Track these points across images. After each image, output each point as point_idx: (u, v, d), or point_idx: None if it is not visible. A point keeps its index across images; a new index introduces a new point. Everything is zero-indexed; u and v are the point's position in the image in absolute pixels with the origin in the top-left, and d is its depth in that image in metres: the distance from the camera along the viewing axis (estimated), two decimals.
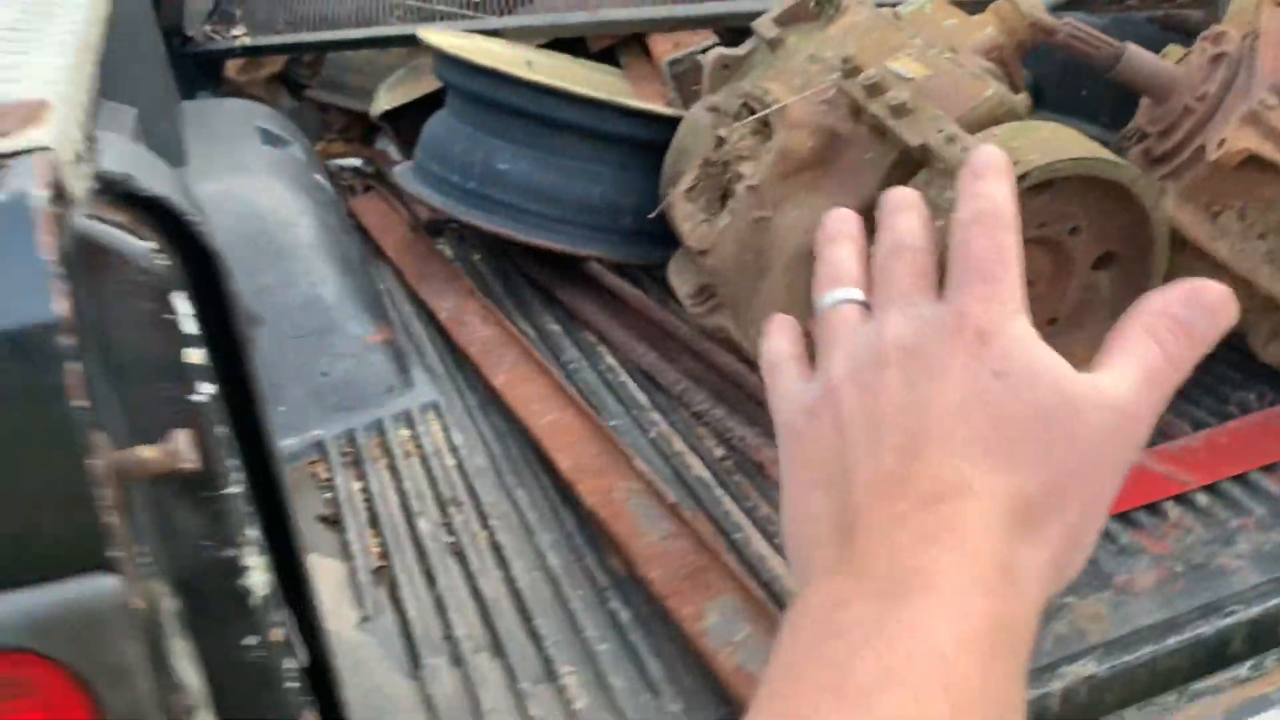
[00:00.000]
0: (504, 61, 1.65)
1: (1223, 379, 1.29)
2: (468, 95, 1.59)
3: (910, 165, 1.14)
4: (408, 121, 1.97)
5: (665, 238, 1.59)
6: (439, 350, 1.54)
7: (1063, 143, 1.08)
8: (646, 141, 1.56)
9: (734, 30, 1.71)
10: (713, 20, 1.70)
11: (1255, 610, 0.97)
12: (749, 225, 1.23)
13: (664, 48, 1.72)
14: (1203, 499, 1.11)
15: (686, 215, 1.32)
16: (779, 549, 1.08)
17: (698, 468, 1.24)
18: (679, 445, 1.28)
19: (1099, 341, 1.17)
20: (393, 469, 1.31)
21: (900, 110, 1.12)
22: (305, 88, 2.44)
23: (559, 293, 1.62)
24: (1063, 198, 1.08)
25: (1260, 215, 1.14)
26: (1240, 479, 1.13)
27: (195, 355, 0.56)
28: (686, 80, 1.68)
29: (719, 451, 1.26)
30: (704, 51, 1.71)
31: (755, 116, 1.22)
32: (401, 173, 1.72)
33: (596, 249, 1.57)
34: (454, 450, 1.32)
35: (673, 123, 1.52)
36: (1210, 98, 1.13)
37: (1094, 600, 1.00)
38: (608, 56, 1.91)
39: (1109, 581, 1.02)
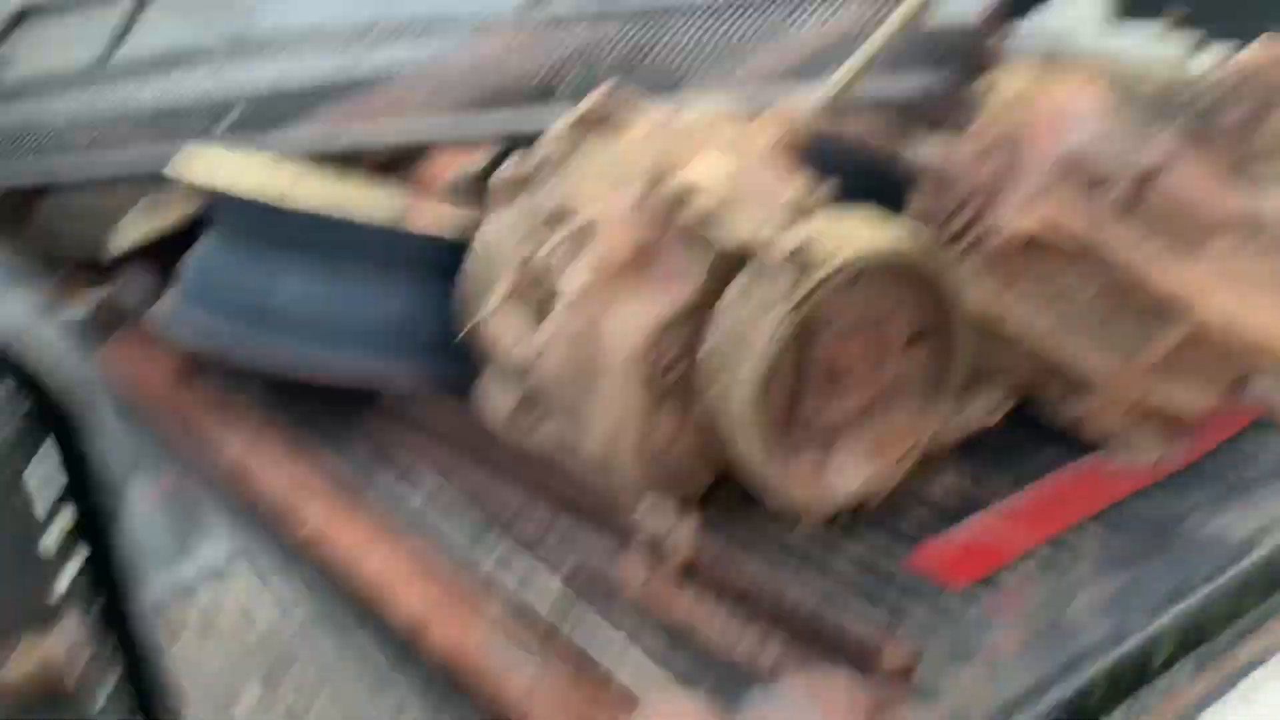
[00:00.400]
0: (267, 181, 1.56)
1: (1013, 449, 1.35)
2: (236, 225, 1.48)
3: (730, 265, 1.16)
4: (155, 258, 1.81)
5: (468, 359, 1.53)
6: (228, 503, 1.39)
7: (873, 231, 1.12)
8: (439, 261, 1.50)
9: (514, 144, 1.70)
10: (498, 136, 1.68)
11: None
12: (574, 334, 1.20)
13: (447, 162, 1.68)
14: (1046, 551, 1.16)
15: (504, 330, 1.27)
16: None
17: (549, 593, 1.16)
18: (521, 571, 1.20)
19: (914, 418, 1.21)
20: (193, 644, 1.15)
21: (712, 215, 1.14)
22: (20, 233, 2.21)
23: (354, 425, 1.51)
24: (878, 283, 1.13)
25: (1043, 287, 1.23)
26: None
27: (53, 537, 0.46)
28: (474, 195, 1.65)
29: (568, 571, 1.19)
30: (492, 165, 1.70)
31: (570, 227, 1.20)
32: (161, 314, 1.57)
33: (394, 377, 1.49)
34: (265, 612, 1.18)
35: (466, 241, 1.48)
36: (989, 184, 1.22)
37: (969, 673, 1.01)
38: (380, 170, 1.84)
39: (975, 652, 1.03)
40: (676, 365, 1.17)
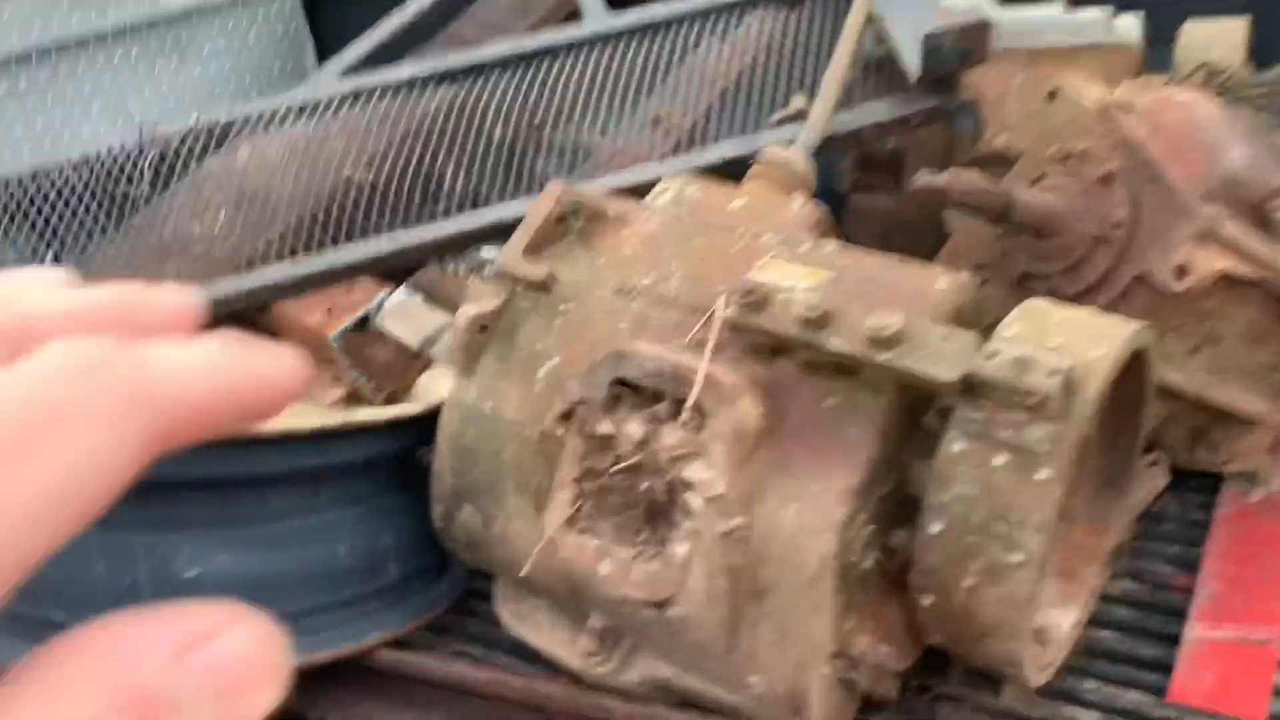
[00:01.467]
0: None
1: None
2: None
3: (913, 403, 0.86)
4: None
5: (444, 569, 1.13)
6: None
7: (1100, 325, 0.86)
8: (379, 456, 1.09)
9: (395, 273, 1.28)
10: (369, 266, 1.25)
11: None
12: (720, 546, 0.85)
13: (315, 318, 1.22)
14: None
15: (592, 553, 0.89)
16: None
17: None
18: None
19: (1099, 523, 0.96)
20: None
21: (890, 340, 0.83)
22: None
23: (320, 714, 1.06)
24: None
25: (1195, 329, 1.04)
26: None
27: None
28: (373, 353, 1.22)
29: None
30: (379, 307, 1.27)
31: (690, 399, 0.85)
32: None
33: (370, 634, 1.06)
34: None
35: (418, 422, 1.07)
36: (1127, 223, 1.00)
37: None
38: None
39: None
40: (868, 550, 0.86)
